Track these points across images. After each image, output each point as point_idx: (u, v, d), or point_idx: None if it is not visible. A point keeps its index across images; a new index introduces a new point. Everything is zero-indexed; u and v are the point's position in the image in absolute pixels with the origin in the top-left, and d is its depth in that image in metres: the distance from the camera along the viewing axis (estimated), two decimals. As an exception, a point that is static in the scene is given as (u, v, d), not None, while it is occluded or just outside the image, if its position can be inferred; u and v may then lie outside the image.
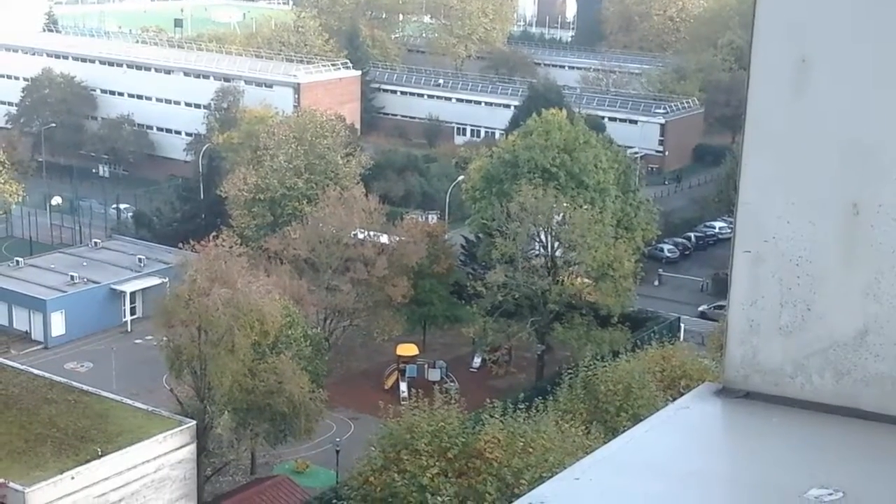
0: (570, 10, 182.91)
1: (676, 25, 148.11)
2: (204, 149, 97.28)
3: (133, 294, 74.45)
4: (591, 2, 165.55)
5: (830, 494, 2.75)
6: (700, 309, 76.62)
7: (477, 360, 67.52)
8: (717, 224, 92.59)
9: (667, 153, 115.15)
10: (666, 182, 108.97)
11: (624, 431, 3.25)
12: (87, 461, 45.23)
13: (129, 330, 72.40)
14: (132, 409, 50.85)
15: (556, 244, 64.40)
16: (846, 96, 3.05)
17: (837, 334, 3.16)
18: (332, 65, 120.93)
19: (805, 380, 3.21)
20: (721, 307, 75.56)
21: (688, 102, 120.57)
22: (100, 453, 45.83)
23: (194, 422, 50.05)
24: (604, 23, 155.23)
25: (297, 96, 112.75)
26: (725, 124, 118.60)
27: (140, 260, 78.02)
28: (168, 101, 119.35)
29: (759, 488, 2.89)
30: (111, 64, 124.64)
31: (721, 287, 74.70)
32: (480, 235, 72.72)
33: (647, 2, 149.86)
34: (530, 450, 40.44)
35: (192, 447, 49.39)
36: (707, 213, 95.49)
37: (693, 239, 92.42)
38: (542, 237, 64.41)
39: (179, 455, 48.72)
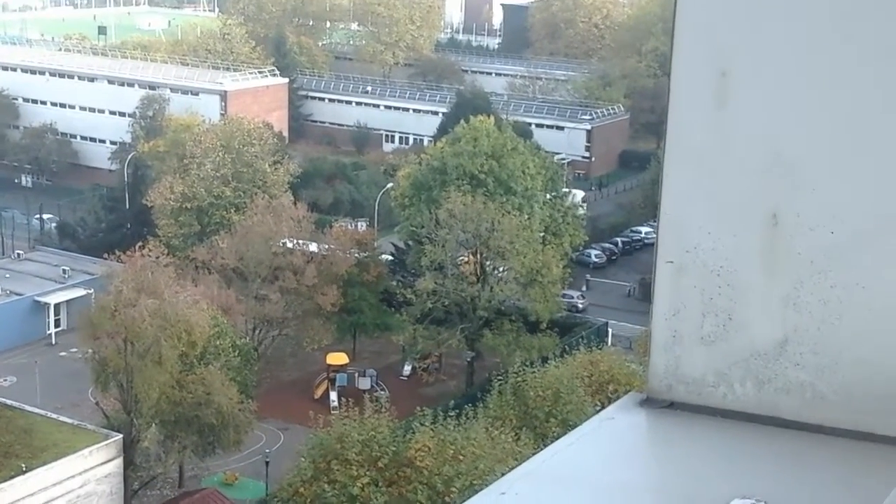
0: (497, 18, 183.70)
1: (601, 32, 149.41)
2: (129, 157, 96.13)
3: (57, 306, 73.31)
4: (517, 9, 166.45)
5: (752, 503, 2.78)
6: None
7: (407, 368, 67.46)
8: (644, 229, 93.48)
9: (593, 159, 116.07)
10: (592, 188, 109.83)
11: (554, 437, 3.26)
12: (11, 477, 44.45)
13: (53, 342, 71.27)
14: (57, 424, 50.08)
15: (485, 251, 64.57)
16: (765, 109, 3.09)
17: (758, 344, 3.19)
18: (259, 72, 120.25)
19: (727, 389, 3.24)
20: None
21: (613, 109, 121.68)
22: (24, 469, 45.06)
23: (121, 435, 49.43)
24: (530, 30, 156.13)
25: (223, 104, 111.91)
26: (650, 130, 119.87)
27: (64, 271, 76.87)
28: (92, 110, 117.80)
29: (683, 499, 2.91)
30: (33, 72, 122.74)
31: (648, 292, 74.99)
32: (410, 243, 72.72)
33: (572, 9, 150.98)
34: (461, 457, 40.51)
35: (119, 461, 48.76)
36: (633, 218, 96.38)
37: (620, 244, 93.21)
38: (471, 244, 64.56)
39: (106, 469, 48.07)
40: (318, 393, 64.41)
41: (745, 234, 3.16)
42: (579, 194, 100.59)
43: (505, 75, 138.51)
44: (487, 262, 64.94)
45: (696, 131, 3.18)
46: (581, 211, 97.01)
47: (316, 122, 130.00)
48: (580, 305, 77.88)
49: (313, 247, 68.28)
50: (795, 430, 3.14)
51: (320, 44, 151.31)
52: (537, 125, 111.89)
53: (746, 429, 3.17)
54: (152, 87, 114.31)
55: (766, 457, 3.05)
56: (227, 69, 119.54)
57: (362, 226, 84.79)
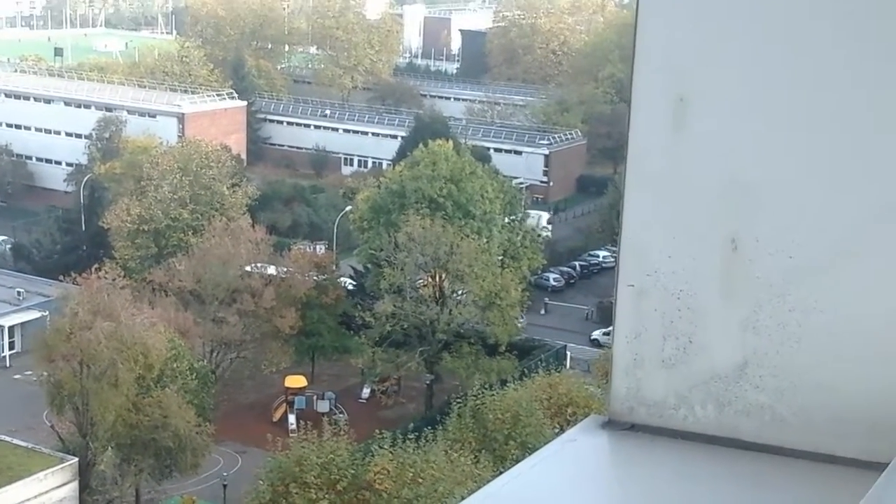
0: (455, 43, 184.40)
1: (559, 59, 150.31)
2: (85, 179, 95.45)
3: (11, 328, 72.53)
4: (475, 35, 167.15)
5: (713, 524, 2.80)
6: (593, 336, 77.31)
7: (366, 391, 67.26)
8: (602, 253, 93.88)
9: (551, 184, 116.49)
10: (550, 212, 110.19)
11: (513, 460, 3.26)
12: (-36, 502, 43.84)
13: (7, 365, 70.47)
14: (11, 447, 49.50)
15: (444, 274, 64.59)
16: (723, 134, 3.13)
17: (718, 366, 3.22)
18: (217, 95, 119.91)
19: (688, 411, 3.27)
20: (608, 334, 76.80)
21: (571, 134, 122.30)
22: (-23, 493, 44.47)
23: (76, 459, 48.93)
24: (488, 55, 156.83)
25: (181, 126, 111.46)
26: (607, 155, 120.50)
27: (19, 293, 76.08)
28: (48, 131, 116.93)
29: (645, 520, 2.93)
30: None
31: (606, 315, 75.72)
32: (369, 266, 72.62)
33: (530, 35, 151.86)
34: (420, 480, 40.41)
35: (75, 485, 48.25)
36: (591, 242, 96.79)
37: (578, 268, 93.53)
38: (430, 267, 64.56)
39: (61, 493, 47.53)
40: (277, 416, 64.06)
41: (704, 258, 3.19)
42: (544, 216, 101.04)
43: (463, 100, 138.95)
44: (446, 285, 64.96)
45: (655, 155, 3.21)
46: (546, 233, 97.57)
47: (274, 145, 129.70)
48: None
49: (271, 269, 68.01)
50: (756, 451, 3.16)
51: (279, 67, 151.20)
52: (496, 150, 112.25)
53: (707, 451, 3.20)
54: (109, 109, 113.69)
55: (727, 478, 3.08)
56: (185, 91, 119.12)
57: (321, 249, 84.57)
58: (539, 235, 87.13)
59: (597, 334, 77.21)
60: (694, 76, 3.13)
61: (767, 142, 3.09)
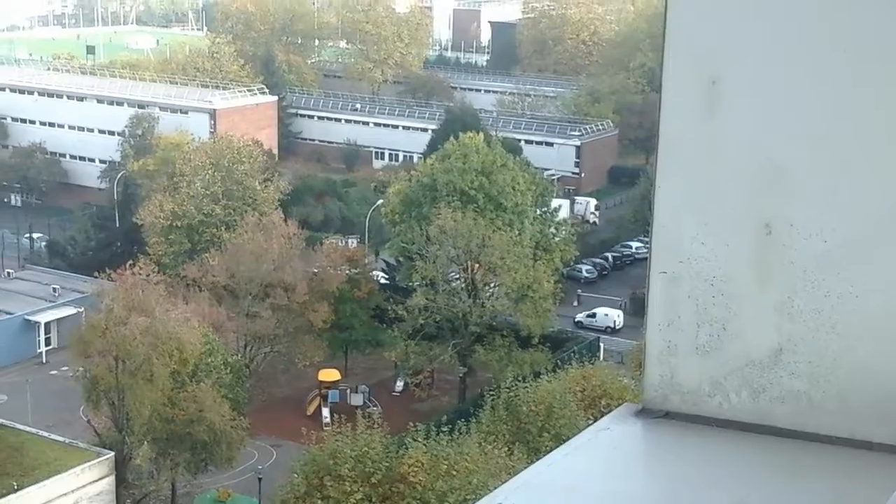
0: (485, 35, 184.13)
1: (589, 49, 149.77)
2: (119, 176, 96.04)
3: (48, 324, 73.13)
4: (505, 26, 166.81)
5: (749, 512, 2.78)
6: (576, 319, 78.26)
7: (399, 384, 67.37)
8: (634, 244, 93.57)
9: (583, 175, 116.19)
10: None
11: (546, 451, 3.25)
12: (3, 495, 44.24)
13: (44, 361, 71.07)
14: (48, 442, 49.92)
15: (476, 266, 64.56)
16: (756, 117, 3.10)
17: (753, 353, 3.19)
18: (248, 90, 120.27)
19: (722, 398, 3.24)
20: (593, 316, 78.43)
21: (602, 125, 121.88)
22: (16, 487, 44.89)
23: (112, 453, 49.29)
24: (518, 47, 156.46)
25: (213, 122, 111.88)
26: (639, 146, 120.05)
27: (55, 290, 76.68)
28: (81, 129, 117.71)
29: (680, 507, 2.91)
30: (22, 92, 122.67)
31: (638, 306, 75.54)
32: (401, 259, 72.67)
33: (560, 26, 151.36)
34: (454, 472, 40.44)
35: (111, 479, 48.61)
36: (623, 233, 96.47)
37: (610, 259, 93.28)
38: (462, 260, 64.55)
39: (98, 487, 47.90)
40: (311, 409, 64.29)
41: (738, 244, 3.16)
42: (592, 202, 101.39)
43: (494, 92, 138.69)
44: (478, 278, 64.92)
45: (687, 141, 3.19)
46: (594, 219, 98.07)
47: (305, 139, 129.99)
48: (616, 326, 78.05)
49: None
50: (791, 438, 3.14)
51: (309, 62, 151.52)
52: (527, 141, 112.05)
53: (742, 438, 3.17)
54: (141, 106, 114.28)
55: (762, 466, 3.05)
56: (216, 87, 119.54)
57: (353, 243, 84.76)
58: (587, 222, 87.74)
59: (580, 317, 78.82)
60: (726, 59, 3.10)
61: (801, 125, 3.06)
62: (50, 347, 72.27)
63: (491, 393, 49.94)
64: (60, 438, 50.43)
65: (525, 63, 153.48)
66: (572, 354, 64.09)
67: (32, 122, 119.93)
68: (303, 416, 62.64)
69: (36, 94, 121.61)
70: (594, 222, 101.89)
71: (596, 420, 3.41)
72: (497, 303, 64.18)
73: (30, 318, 72.86)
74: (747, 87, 3.09)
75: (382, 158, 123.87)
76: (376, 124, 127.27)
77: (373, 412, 52.37)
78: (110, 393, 50.30)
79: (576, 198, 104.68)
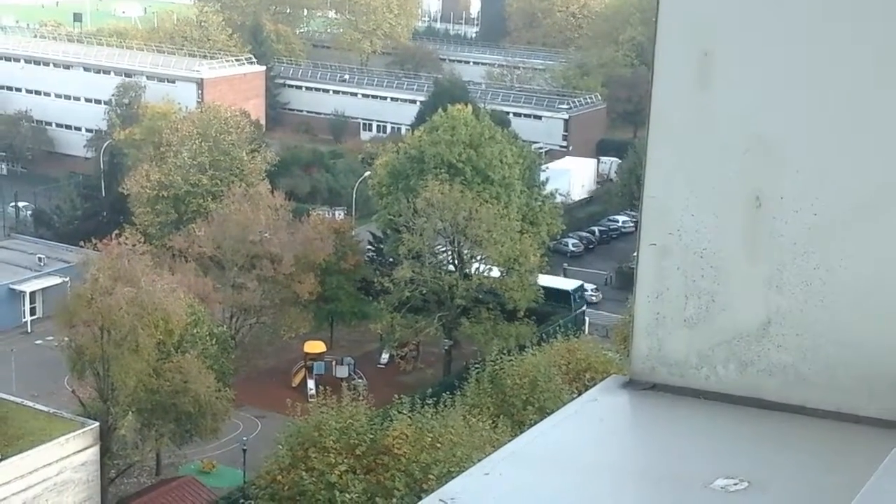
0: (474, 6, 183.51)
1: (579, 22, 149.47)
2: (105, 145, 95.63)
3: (33, 294, 72.94)
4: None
5: (735, 484, 2.78)
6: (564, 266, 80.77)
7: (385, 357, 67.45)
8: (621, 218, 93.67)
9: (571, 148, 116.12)
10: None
11: (531, 425, 3.25)
12: (-13, 465, 44.21)
13: (29, 330, 70.91)
14: (33, 412, 49.84)
15: (463, 239, 64.54)
16: (748, 90, 3.08)
17: (741, 325, 3.19)
18: (236, 60, 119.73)
19: (710, 371, 3.24)
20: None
21: (591, 98, 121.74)
22: (0, 457, 44.83)
23: (97, 423, 49.22)
24: (507, 19, 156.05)
25: (200, 92, 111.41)
26: (627, 119, 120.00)
27: (40, 259, 76.43)
28: (67, 97, 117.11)
29: (666, 479, 2.91)
30: (8, 59, 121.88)
31: (624, 280, 75.68)
32: (387, 231, 72.61)
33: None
34: (438, 445, 40.53)
35: (96, 449, 48.58)
36: (610, 207, 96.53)
37: (597, 233, 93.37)
38: (449, 232, 64.52)
39: (82, 457, 47.89)
40: (296, 381, 64.35)
41: (728, 216, 3.16)
42: (615, 161, 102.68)
43: (483, 64, 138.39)
44: (465, 251, 64.93)
45: (678, 113, 3.18)
46: (615, 177, 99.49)
47: (293, 110, 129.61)
48: (594, 300, 78.16)
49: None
50: (778, 411, 3.14)
51: (297, 32, 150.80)
52: (515, 114, 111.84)
53: (729, 410, 3.18)
54: (128, 75, 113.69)
55: (749, 438, 3.06)
56: (204, 57, 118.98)
57: (340, 214, 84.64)
58: (610, 180, 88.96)
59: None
60: (719, 30, 3.08)
61: (793, 98, 3.05)
62: (35, 317, 72.09)
63: (476, 366, 50.04)
64: (45, 408, 50.34)
65: (514, 35, 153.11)
66: (557, 328, 64.22)
67: (18, 89, 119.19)
68: (288, 387, 62.70)
69: (22, 61, 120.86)
70: (612, 179, 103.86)
71: (581, 394, 3.41)
72: (483, 276, 64.16)
73: (15, 287, 72.64)
74: (739, 59, 3.08)
75: (370, 130, 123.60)
76: (364, 95, 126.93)
77: (358, 384, 52.45)
78: (95, 363, 50.20)
79: (601, 158, 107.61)
